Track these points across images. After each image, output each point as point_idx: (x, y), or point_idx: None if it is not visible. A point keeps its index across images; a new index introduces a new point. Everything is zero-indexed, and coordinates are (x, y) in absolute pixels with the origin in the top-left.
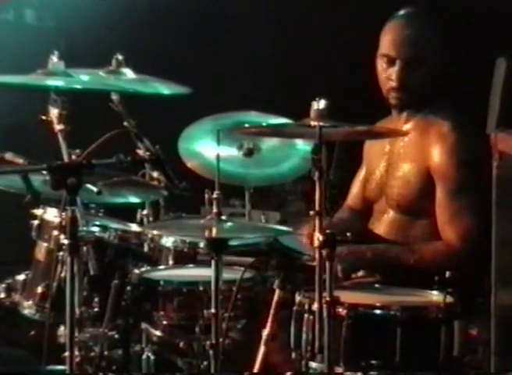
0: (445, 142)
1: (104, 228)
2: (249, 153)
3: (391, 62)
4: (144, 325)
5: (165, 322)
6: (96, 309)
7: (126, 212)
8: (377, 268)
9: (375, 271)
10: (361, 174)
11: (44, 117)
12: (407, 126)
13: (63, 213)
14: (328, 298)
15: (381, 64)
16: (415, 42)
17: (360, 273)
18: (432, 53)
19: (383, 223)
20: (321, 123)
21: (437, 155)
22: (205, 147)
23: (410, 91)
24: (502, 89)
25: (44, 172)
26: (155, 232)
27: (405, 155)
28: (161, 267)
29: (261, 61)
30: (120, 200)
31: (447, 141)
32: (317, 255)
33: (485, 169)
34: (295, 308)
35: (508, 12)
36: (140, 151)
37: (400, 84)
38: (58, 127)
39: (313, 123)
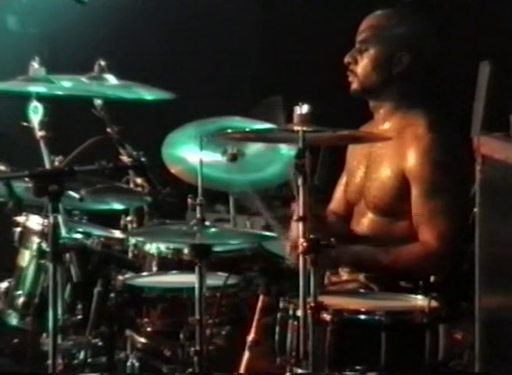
0: (420, 143)
1: (87, 235)
2: (233, 158)
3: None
4: (128, 332)
5: (149, 328)
6: (79, 316)
7: (110, 219)
8: (357, 268)
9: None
10: (344, 179)
11: (25, 124)
12: (385, 127)
13: (45, 220)
14: (312, 304)
15: None
16: (375, 29)
17: (345, 278)
18: (393, 47)
19: (362, 225)
20: (304, 128)
21: (412, 156)
22: (189, 152)
23: (356, 75)
24: (486, 92)
25: (27, 179)
26: (139, 238)
27: (382, 157)
28: (145, 274)
29: (244, 66)
30: (104, 206)
31: (422, 142)
32: (301, 261)
33: (462, 170)
34: (279, 313)
35: (492, 16)
36: (124, 158)
37: (348, 62)
38: (39, 134)
39: (296, 128)
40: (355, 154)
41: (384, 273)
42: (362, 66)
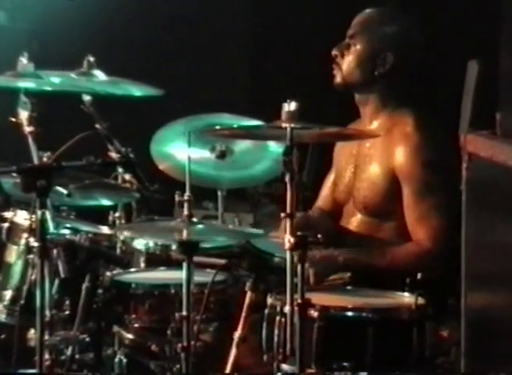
0: (409, 142)
1: (75, 231)
2: (221, 155)
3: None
4: (115, 328)
5: (136, 325)
6: (67, 312)
7: (98, 215)
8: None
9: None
10: (331, 177)
11: (13, 119)
12: (373, 126)
13: (33, 216)
14: (299, 300)
15: None
16: (364, 26)
17: (332, 277)
18: (379, 46)
19: (351, 225)
20: (292, 125)
21: (401, 155)
22: (177, 149)
23: (341, 69)
24: (474, 91)
25: (14, 174)
26: (127, 234)
27: (371, 156)
28: (133, 270)
29: (233, 63)
30: (92, 202)
31: (411, 141)
32: (288, 257)
33: (451, 168)
34: (267, 310)
35: (480, 15)
36: (112, 154)
37: (335, 55)
38: (28, 129)
39: (284, 125)
40: (343, 153)
41: (378, 274)
42: (347, 61)
